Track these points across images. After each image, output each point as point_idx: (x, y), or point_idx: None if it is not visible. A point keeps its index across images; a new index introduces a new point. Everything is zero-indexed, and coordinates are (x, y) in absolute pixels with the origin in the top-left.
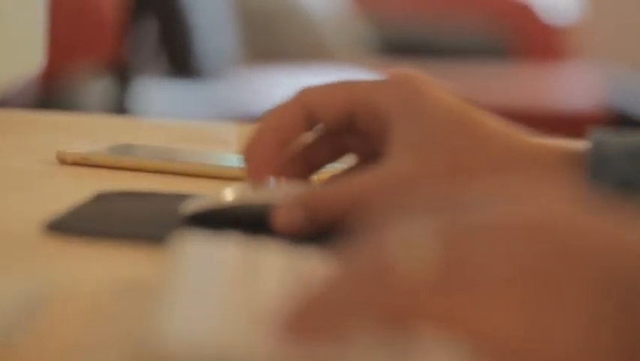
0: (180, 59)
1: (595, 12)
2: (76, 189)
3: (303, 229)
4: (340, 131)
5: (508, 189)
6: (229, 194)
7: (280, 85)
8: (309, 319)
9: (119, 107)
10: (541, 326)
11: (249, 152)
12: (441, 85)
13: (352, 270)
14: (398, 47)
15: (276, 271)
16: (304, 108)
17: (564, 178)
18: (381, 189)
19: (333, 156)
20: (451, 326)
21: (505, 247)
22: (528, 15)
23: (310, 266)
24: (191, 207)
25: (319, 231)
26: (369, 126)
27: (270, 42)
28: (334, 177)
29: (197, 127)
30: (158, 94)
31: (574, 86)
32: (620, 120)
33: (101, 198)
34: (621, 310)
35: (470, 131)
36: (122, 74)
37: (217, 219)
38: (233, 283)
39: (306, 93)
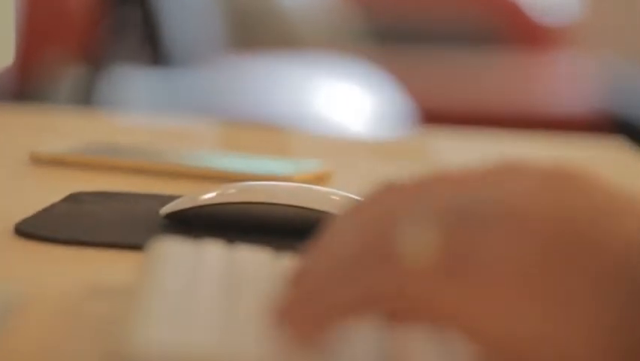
0: (159, 48)
1: (592, 7)
2: (50, 190)
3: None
4: None
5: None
6: (208, 194)
7: (263, 75)
8: (301, 300)
9: (95, 98)
10: (546, 320)
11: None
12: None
13: (354, 246)
14: (386, 35)
15: (255, 278)
16: None
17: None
18: None
19: None
20: (446, 318)
21: (510, 239)
22: (517, 6)
23: (290, 272)
24: (169, 207)
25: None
26: None
27: (253, 30)
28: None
29: (175, 125)
30: (136, 83)
31: (564, 80)
32: (613, 121)
33: (74, 199)
34: (634, 302)
35: None
36: (98, 63)
37: (196, 220)
38: (211, 290)
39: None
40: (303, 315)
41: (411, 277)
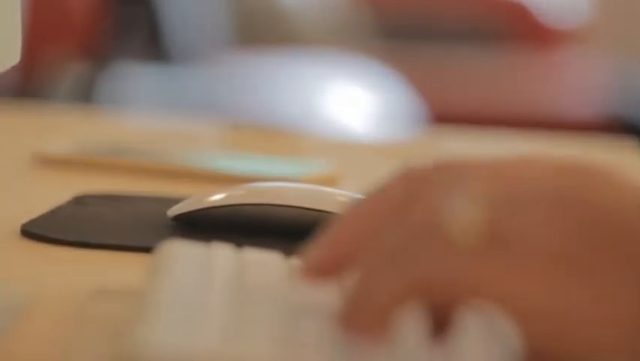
0: (162, 45)
1: (601, 8)
2: (55, 191)
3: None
4: None
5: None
6: (216, 195)
7: (268, 72)
8: (358, 299)
9: (98, 96)
10: (579, 299)
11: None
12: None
13: (402, 234)
14: (394, 33)
15: (264, 280)
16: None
17: None
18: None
19: None
20: (488, 297)
21: (551, 219)
22: (527, 7)
23: (300, 275)
24: (176, 208)
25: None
26: None
27: (257, 27)
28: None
29: (182, 125)
30: (139, 81)
31: (573, 80)
32: (621, 122)
33: (79, 201)
34: None
35: None
36: (101, 61)
37: (203, 221)
38: (220, 293)
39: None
40: (362, 313)
41: (459, 260)
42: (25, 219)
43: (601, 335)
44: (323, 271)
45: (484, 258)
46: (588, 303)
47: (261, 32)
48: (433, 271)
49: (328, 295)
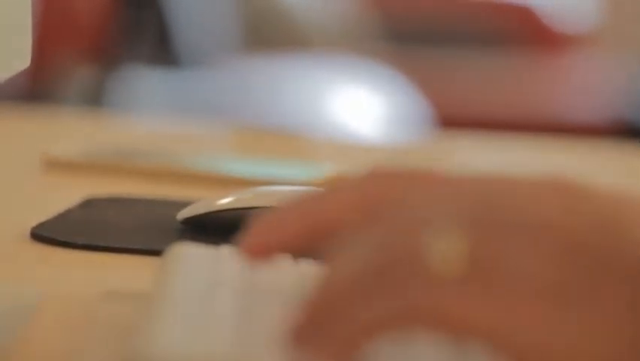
0: (170, 49)
1: (609, 11)
2: (64, 194)
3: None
4: None
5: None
6: (224, 198)
7: (275, 76)
8: (324, 319)
9: (106, 99)
10: (565, 332)
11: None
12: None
13: (379, 258)
14: (401, 37)
15: (273, 284)
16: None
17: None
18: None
19: None
20: (468, 327)
21: (535, 248)
22: (534, 11)
23: (308, 280)
24: (186, 211)
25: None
26: None
27: (265, 32)
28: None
29: (190, 128)
30: (147, 84)
31: (581, 84)
32: (629, 126)
33: (89, 204)
34: None
35: None
36: (110, 64)
37: (212, 225)
38: (228, 297)
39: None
40: (327, 335)
41: (440, 291)
42: (34, 223)
43: None
44: (262, 252)
45: (464, 288)
46: (577, 334)
47: (269, 36)
48: (412, 302)
49: None
